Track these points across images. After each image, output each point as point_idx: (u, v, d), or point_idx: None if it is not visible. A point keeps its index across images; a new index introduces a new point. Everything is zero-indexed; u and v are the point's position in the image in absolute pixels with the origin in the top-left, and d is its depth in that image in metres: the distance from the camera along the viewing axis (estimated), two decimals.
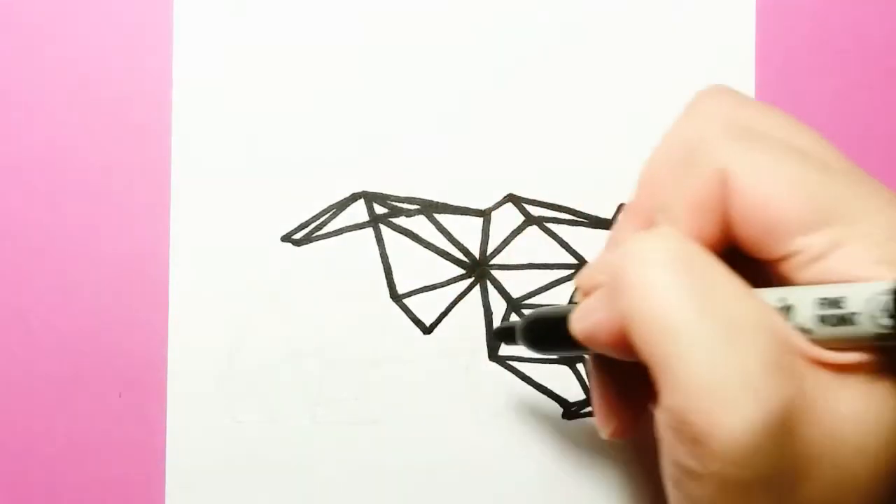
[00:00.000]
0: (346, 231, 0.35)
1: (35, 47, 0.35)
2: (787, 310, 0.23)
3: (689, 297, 0.22)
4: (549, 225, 0.35)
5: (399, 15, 0.35)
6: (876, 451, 0.22)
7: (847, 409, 0.22)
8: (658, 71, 0.36)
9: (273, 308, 0.35)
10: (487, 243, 0.35)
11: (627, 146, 0.35)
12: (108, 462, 0.35)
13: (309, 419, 0.35)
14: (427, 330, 0.35)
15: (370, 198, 0.35)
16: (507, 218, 0.35)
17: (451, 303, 0.35)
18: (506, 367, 0.35)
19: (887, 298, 0.21)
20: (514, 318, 0.35)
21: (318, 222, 0.35)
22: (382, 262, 0.35)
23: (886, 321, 0.21)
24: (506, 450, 0.35)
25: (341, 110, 0.35)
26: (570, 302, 0.35)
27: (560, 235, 0.35)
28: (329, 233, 0.35)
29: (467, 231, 0.35)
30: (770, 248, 0.23)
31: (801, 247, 0.23)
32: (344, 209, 0.35)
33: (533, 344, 0.30)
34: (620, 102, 0.36)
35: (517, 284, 0.35)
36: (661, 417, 0.23)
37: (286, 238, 0.35)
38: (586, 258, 0.35)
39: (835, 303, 0.22)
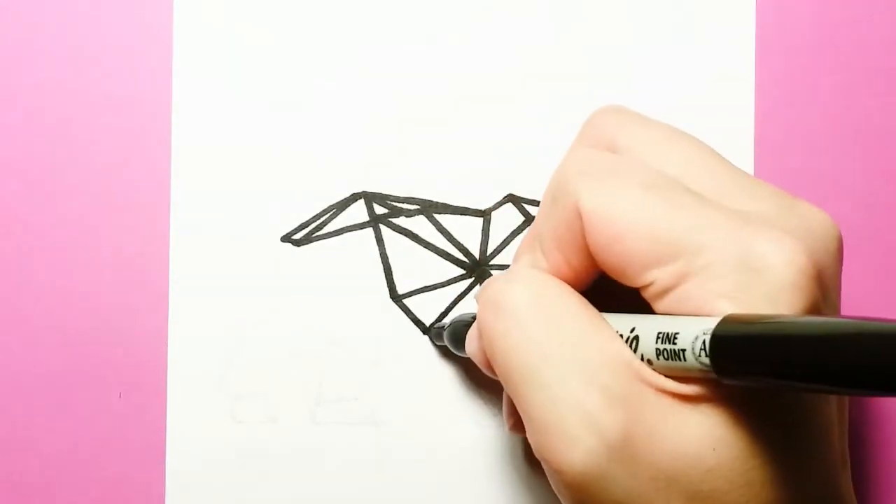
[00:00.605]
0: (346, 231, 0.35)
1: (35, 47, 0.35)
2: (635, 340, 0.24)
3: (537, 339, 0.24)
4: None
5: (399, 13, 0.35)
6: (730, 468, 0.23)
7: (693, 434, 0.23)
8: (658, 71, 0.36)
9: (273, 308, 0.35)
10: (487, 243, 0.35)
11: None
12: (108, 462, 0.35)
13: (309, 419, 0.35)
14: (427, 330, 0.35)
15: (370, 198, 0.35)
16: (507, 218, 0.35)
17: (451, 303, 0.35)
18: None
19: (707, 338, 0.21)
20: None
21: (318, 222, 0.35)
22: (382, 262, 0.35)
23: (706, 360, 0.21)
24: (505, 450, 0.35)
25: (341, 110, 0.35)
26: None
27: None
28: (329, 233, 0.35)
29: (467, 231, 0.35)
30: (627, 279, 0.24)
31: (652, 279, 0.24)
32: (344, 209, 0.35)
33: (454, 347, 0.33)
34: (620, 102, 0.35)
35: None
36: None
37: (286, 238, 0.35)
38: None
39: (669, 338, 0.23)
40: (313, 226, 0.35)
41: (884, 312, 0.36)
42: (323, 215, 0.35)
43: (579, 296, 0.25)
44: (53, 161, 0.35)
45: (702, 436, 0.23)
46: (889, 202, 0.36)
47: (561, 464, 0.23)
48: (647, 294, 0.24)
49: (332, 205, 0.35)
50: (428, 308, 0.35)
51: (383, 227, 0.35)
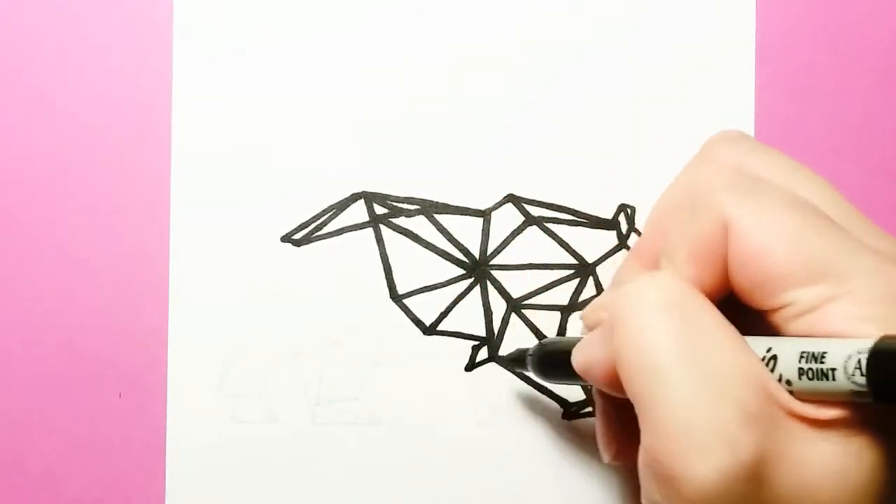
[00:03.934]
0: (346, 231, 0.35)
1: (35, 47, 0.35)
2: (772, 360, 0.23)
3: (675, 341, 0.23)
4: (549, 225, 0.35)
5: (399, 14, 0.35)
6: (852, 499, 0.22)
7: (822, 462, 0.22)
8: (658, 71, 0.36)
9: (273, 308, 0.35)
10: (487, 243, 0.35)
11: (627, 146, 0.35)
12: (108, 462, 0.35)
13: (309, 419, 0.35)
14: (427, 330, 0.35)
15: (370, 198, 0.35)
16: (507, 218, 0.35)
17: (451, 303, 0.35)
18: (506, 368, 0.35)
19: (864, 357, 0.21)
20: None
21: (318, 222, 0.35)
22: (382, 262, 0.35)
23: (861, 380, 0.21)
24: (505, 450, 0.35)
25: (342, 110, 0.35)
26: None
27: (560, 235, 0.35)
28: (329, 233, 0.35)
29: (467, 231, 0.35)
30: (764, 298, 0.24)
31: (792, 299, 0.23)
32: (344, 209, 0.35)
33: (542, 373, 0.31)
34: (621, 102, 0.36)
35: (517, 284, 0.35)
36: (641, 455, 0.24)
37: (286, 238, 0.35)
38: (586, 258, 0.35)
39: (816, 357, 0.22)
40: (313, 226, 0.35)
41: None
42: (323, 215, 0.35)
43: (717, 309, 0.24)
44: (53, 161, 0.35)
45: (829, 465, 0.22)
46: (889, 202, 0.36)
47: (686, 472, 0.22)
48: (780, 315, 0.23)
49: (332, 205, 0.35)
50: (428, 308, 0.35)
51: (383, 227, 0.35)
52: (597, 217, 0.35)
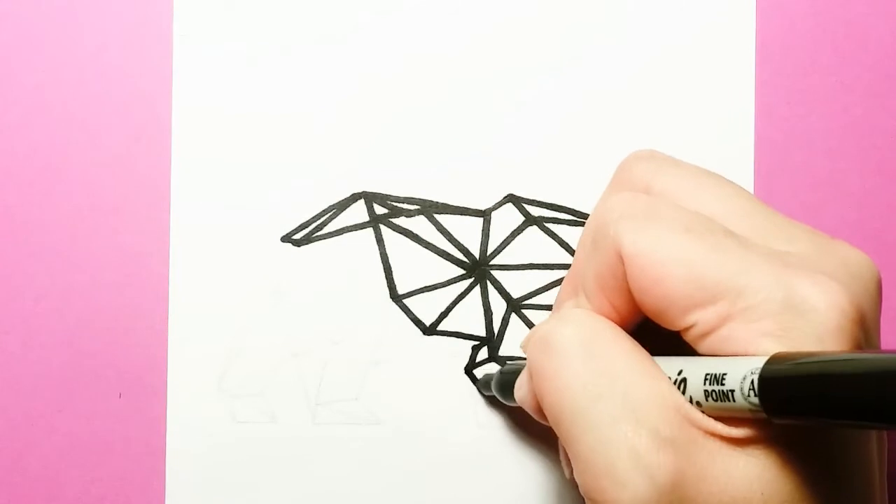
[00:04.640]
0: (346, 231, 0.35)
1: (35, 47, 0.35)
2: (683, 382, 0.24)
3: (587, 380, 0.24)
4: (549, 225, 0.35)
5: (399, 15, 0.35)
6: None
7: (743, 477, 0.23)
8: (658, 71, 0.36)
9: (273, 308, 0.35)
10: (487, 243, 0.35)
11: (627, 146, 0.35)
12: (108, 462, 0.35)
13: (309, 419, 0.35)
14: (427, 330, 0.35)
15: (370, 198, 0.35)
16: (507, 218, 0.35)
17: (451, 303, 0.35)
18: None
19: (756, 378, 0.21)
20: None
21: (318, 222, 0.35)
22: (382, 262, 0.35)
23: (755, 400, 0.21)
24: (506, 450, 0.35)
25: (342, 110, 0.35)
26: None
27: (560, 235, 0.35)
28: (329, 233, 0.35)
29: (467, 231, 0.35)
30: (669, 321, 0.24)
31: (693, 321, 0.23)
32: (344, 209, 0.35)
33: (503, 395, 0.32)
34: (620, 103, 0.36)
35: (517, 284, 0.35)
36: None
37: (286, 238, 0.35)
38: None
39: (717, 378, 0.22)
40: (313, 226, 0.35)
41: (882, 310, 0.36)
42: (323, 215, 0.35)
43: (629, 337, 0.25)
44: (53, 161, 0.35)
45: (750, 479, 0.23)
46: (889, 202, 0.36)
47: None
48: (689, 336, 0.24)
49: (332, 205, 0.35)
50: (428, 308, 0.35)
51: (383, 227, 0.35)
52: None
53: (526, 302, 0.35)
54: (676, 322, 0.24)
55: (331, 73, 0.35)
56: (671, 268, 0.24)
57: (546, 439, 0.35)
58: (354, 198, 0.35)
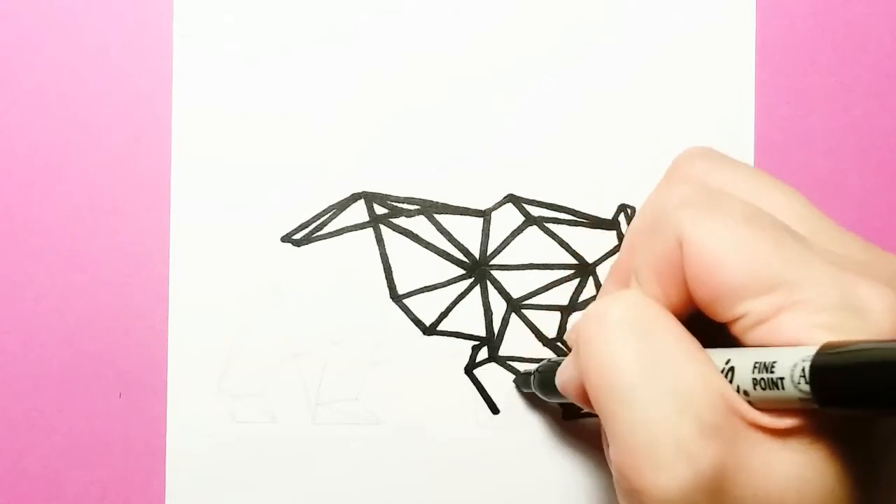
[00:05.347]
0: (346, 231, 0.35)
1: (35, 47, 0.35)
2: (730, 371, 0.24)
3: (636, 359, 0.24)
4: (549, 225, 0.35)
5: (399, 15, 0.35)
6: None
7: (783, 471, 0.23)
8: (658, 71, 0.36)
9: (273, 308, 0.35)
10: (487, 243, 0.35)
11: (627, 146, 0.35)
12: (108, 462, 0.35)
13: (309, 419, 0.35)
14: (427, 330, 0.35)
15: (370, 198, 0.35)
16: (507, 218, 0.35)
17: (451, 303, 0.35)
18: (506, 367, 0.35)
19: (807, 365, 0.21)
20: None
21: (318, 222, 0.35)
22: (382, 262, 0.35)
23: (806, 387, 0.21)
24: (506, 450, 0.35)
25: (342, 110, 0.35)
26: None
27: (560, 235, 0.35)
28: (329, 233, 0.35)
29: (467, 231, 0.35)
30: (721, 310, 0.24)
31: (746, 310, 0.23)
32: (344, 209, 0.35)
33: (542, 391, 0.32)
34: (620, 102, 0.36)
35: (517, 284, 0.35)
36: (612, 468, 0.25)
37: (286, 238, 0.35)
38: (586, 258, 0.35)
39: (767, 367, 0.22)
40: (313, 226, 0.35)
41: None
42: (323, 215, 0.35)
43: (680, 323, 0.25)
44: (53, 161, 0.35)
45: (789, 475, 0.22)
46: (889, 202, 0.36)
47: (646, 486, 0.23)
48: (738, 326, 0.24)
49: (332, 205, 0.35)
50: (428, 308, 0.35)
51: (383, 227, 0.35)
52: (597, 217, 0.35)
53: (526, 302, 0.35)
54: (728, 311, 0.24)
55: (331, 73, 0.35)
56: (729, 255, 0.24)
57: (546, 440, 0.35)
58: (354, 198, 0.35)
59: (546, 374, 0.32)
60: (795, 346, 0.22)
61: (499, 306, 0.35)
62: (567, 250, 0.35)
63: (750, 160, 0.36)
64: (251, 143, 0.35)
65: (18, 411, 0.35)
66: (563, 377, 0.28)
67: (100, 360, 0.35)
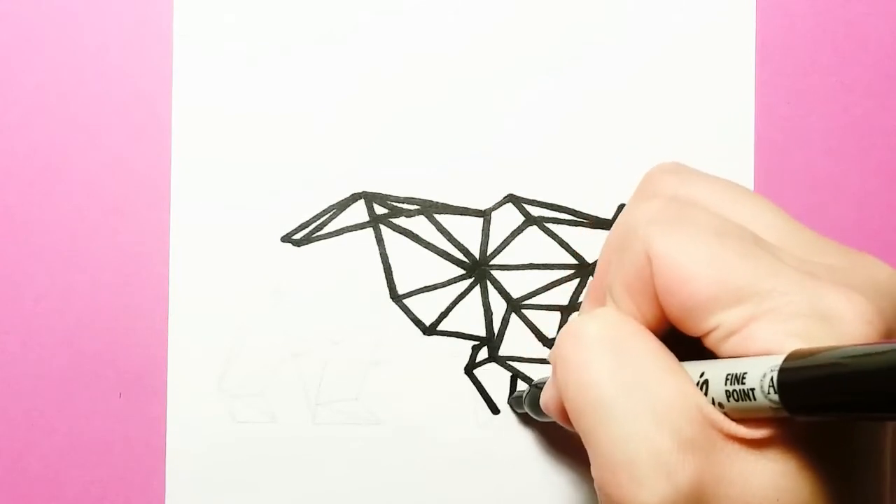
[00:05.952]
0: (346, 231, 0.35)
1: (35, 47, 0.35)
2: (705, 384, 0.24)
3: (612, 376, 0.24)
4: (549, 225, 0.35)
5: (399, 15, 0.35)
6: None
7: (759, 482, 0.23)
8: (658, 71, 0.36)
9: (273, 308, 0.35)
10: (487, 243, 0.35)
11: (627, 146, 0.35)
12: (108, 462, 0.35)
13: (309, 419, 0.35)
14: (427, 330, 0.35)
15: (370, 198, 0.35)
16: (507, 218, 0.35)
17: (451, 303, 0.35)
18: (506, 367, 0.35)
19: (775, 374, 0.21)
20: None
21: (318, 222, 0.35)
22: (382, 262, 0.35)
23: (775, 396, 0.21)
24: (506, 450, 0.35)
25: (341, 110, 0.35)
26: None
27: (560, 235, 0.35)
28: (329, 233, 0.35)
29: (467, 231, 0.35)
30: (694, 324, 0.24)
31: (717, 322, 0.23)
32: (344, 209, 0.35)
33: (533, 411, 0.33)
34: (620, 102, 0.36)
35: (517, 284, 0.35)
36: (595, 484, 0.25)
37: (286, 238, 0.35)
38: (586, 258, 0.35)
39: (738, 378, 0.22)
40: (313, 226, 0.35)
41: None
42: (323, 215, 0.35)
43: (655, 338, 0.25)
44: (53, 161, 0.35)
45: (766, 484, 0.23)
46: (889, 202, 0.36)
47: (626, 502, 0.23)
48: (711, 339, 0.24)
49: (332, 205, 0.35)
50: (428, 308, 0.35)
51: (383, 227, 0.35)
52: (597, 217, 0.35)
53: (526, 302, 0.35)
54: (700, 325, 0.24)
55: (331, 73, 0.35)
56: (699, 269, 0.24)
57: (546, 440, 0.35)
58: (354, 198, 0.35)
59: (535, 394, 0.32)
60: (766, 355, 0.22)
61: (499, 306, 0.35)
62: (567, 250, 0.35)
63: (750, 160, 0.36)
64: (251, 143, 0.35)
65: (18, 411, 0.35)
66: (545, 396, 0.28)
67: (100, 360, 0.35)
